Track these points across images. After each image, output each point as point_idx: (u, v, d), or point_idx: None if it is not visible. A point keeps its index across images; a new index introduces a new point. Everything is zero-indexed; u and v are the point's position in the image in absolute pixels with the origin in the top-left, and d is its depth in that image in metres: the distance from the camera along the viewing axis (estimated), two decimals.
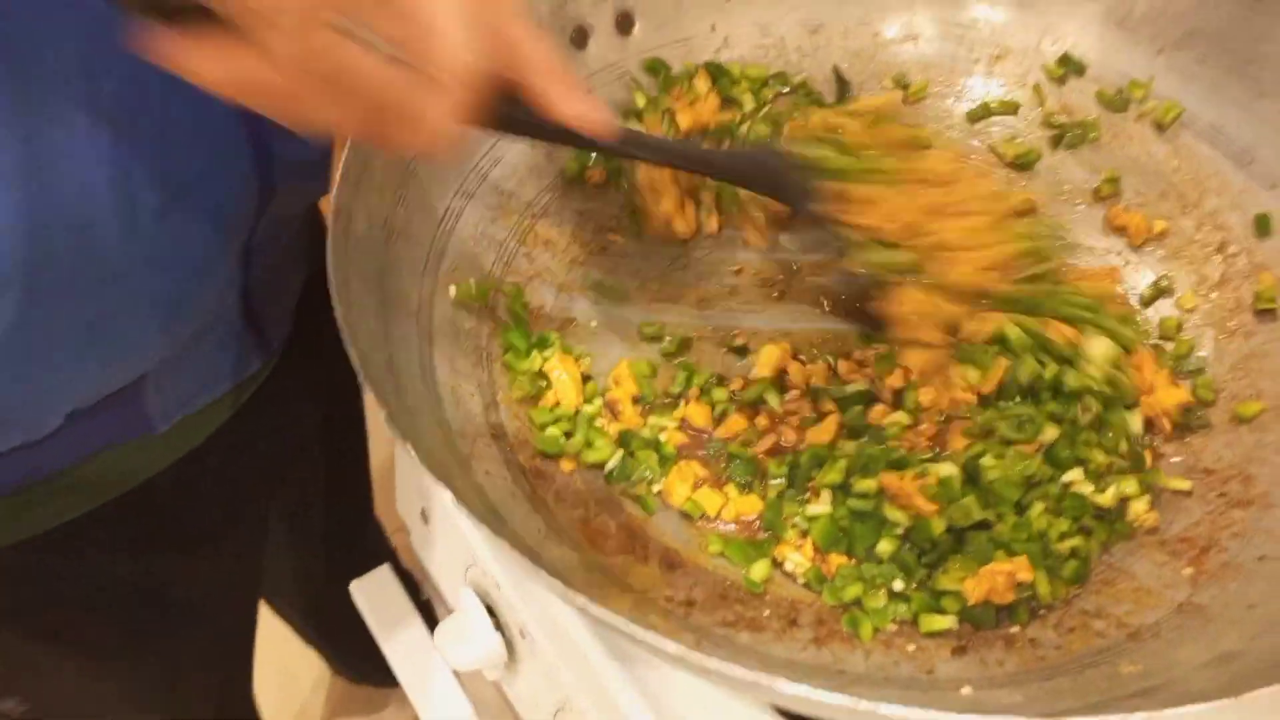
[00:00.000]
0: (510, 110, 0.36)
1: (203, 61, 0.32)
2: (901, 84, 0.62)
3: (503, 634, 0.53)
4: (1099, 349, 0.47)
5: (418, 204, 0.52)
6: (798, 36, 0.64)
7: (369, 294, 0.46)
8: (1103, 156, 0.59)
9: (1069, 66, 0.60)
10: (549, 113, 0.37)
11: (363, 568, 0.64)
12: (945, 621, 0.42)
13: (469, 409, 0.50)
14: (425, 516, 0.62)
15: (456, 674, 0.58)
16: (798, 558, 0.45)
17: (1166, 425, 0.48)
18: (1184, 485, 0.46)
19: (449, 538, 0.59)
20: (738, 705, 0.43)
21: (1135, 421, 0.47)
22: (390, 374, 0.45)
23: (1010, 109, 0.61)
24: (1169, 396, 0.48)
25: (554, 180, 0.59)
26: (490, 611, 0.54)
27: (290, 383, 0.67)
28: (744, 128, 0.60)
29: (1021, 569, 0.41)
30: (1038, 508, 0.43)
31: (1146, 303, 0.54)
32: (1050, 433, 0.44)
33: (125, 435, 0.53)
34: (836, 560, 0.44)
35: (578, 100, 0.38)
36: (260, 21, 0.31)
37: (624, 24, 0.60)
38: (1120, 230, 0.56)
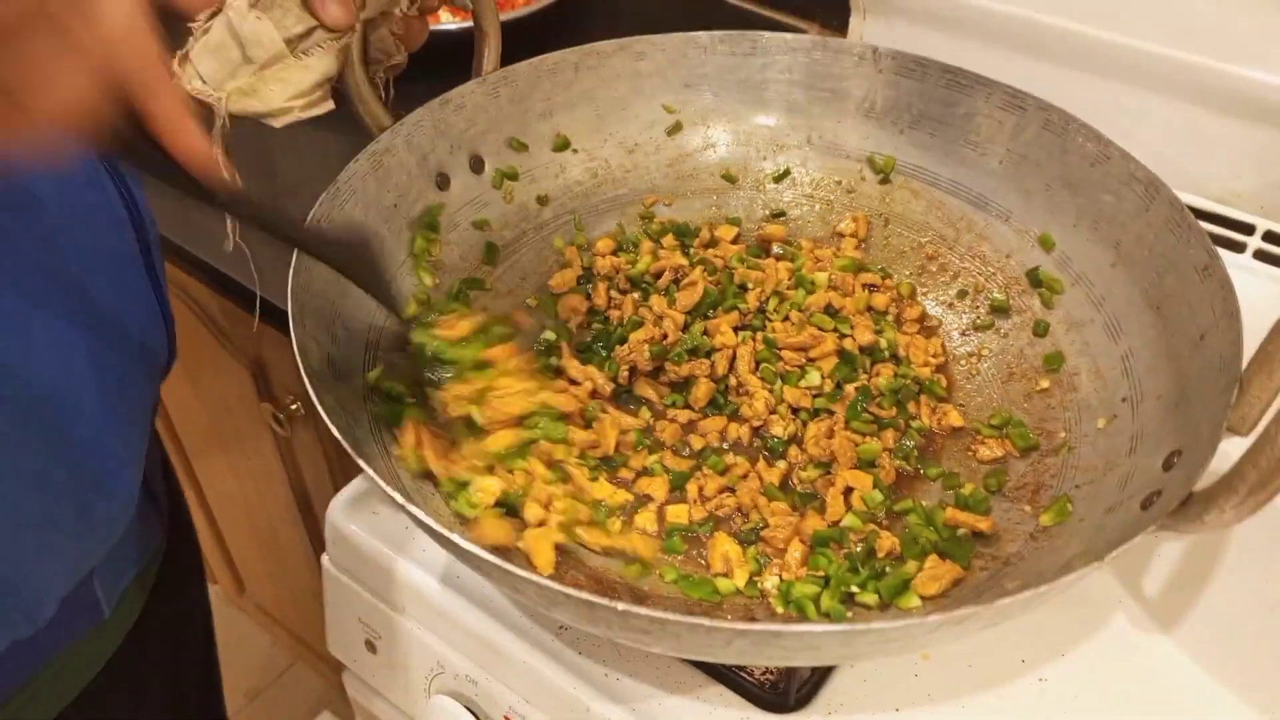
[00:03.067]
0: (128, 132, 0.34)
1: None
2: (727, 177, 0.76)
3: None
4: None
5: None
6: (619, 157, 0.76)
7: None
8: (866, 207, 0.74)
9: (836, 151, 0.76)
10: (160, 137, 0.33)
11: None
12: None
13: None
14: (371, 646, 0.64)
15: None
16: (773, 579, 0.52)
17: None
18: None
19: (406, 654, 0.61)
20: None
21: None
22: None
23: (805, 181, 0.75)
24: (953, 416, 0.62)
25: None
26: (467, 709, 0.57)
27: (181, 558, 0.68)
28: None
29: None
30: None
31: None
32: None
33: (83, 626, 0.52)
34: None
35: (192, 138, 0.34)
36: None
37: (476, 165, 0.69)
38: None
